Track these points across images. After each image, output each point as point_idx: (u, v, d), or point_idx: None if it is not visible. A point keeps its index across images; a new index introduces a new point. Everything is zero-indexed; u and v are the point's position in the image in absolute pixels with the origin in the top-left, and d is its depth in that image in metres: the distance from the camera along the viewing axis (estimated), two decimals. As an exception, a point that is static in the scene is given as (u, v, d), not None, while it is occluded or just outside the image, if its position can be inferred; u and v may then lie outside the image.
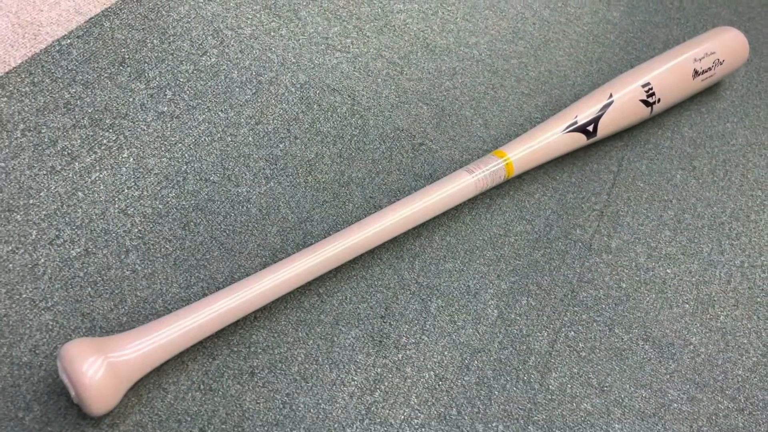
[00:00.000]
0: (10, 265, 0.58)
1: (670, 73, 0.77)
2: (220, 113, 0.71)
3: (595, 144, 0.77)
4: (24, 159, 0.64)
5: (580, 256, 0.68)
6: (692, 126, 0.82)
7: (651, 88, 0.75)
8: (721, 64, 0.81)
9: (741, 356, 0.64)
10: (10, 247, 0.59)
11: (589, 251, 0.69)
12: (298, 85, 0.75)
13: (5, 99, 0.67)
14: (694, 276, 0.69)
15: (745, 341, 0.65)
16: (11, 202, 0.61)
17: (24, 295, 0.57)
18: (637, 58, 0.87)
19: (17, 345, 0.54)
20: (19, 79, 0.68)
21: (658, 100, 0.76)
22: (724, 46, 0.81)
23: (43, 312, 0.56)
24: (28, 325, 0.55)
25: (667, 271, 0.69)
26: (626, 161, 0.77)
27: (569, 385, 0.60)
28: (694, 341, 0.64)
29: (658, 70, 0.77)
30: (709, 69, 0.80)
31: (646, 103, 0.75)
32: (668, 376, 0.62)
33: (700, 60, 0.79)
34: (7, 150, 0.64)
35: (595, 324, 0.64)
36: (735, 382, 0.63)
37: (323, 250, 0.59)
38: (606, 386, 0.61)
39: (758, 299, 0.68)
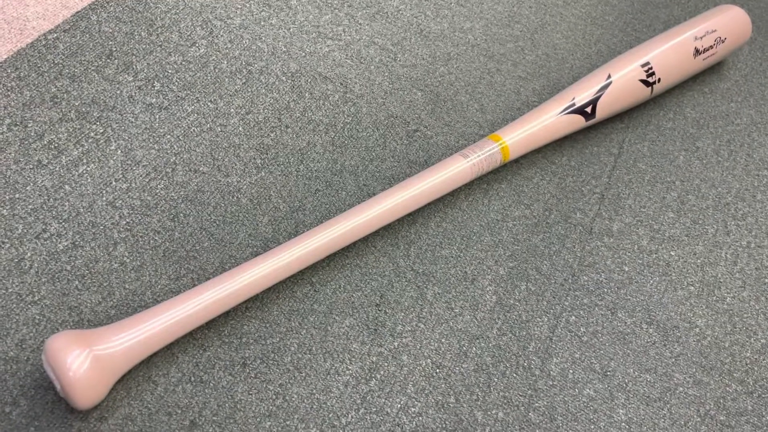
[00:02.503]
0: (-3, 260, 0.57)
1: (670, 52, 0.75)
2: (209, 104, 0.69)
3: (595, 126, 0.75)
4: (10, 153, 0.63)
5: (580, 240, 0.66)
6: (695, 106, 0.80)
7: (651, 68, 0.73)
8: (722, 42, 0.79)
9: (749, 338, 0.62)
10: (-3, 242, 0.58)
11: (590, 235, 0.67)
12: (289, 74, 0.73)
13: (-8, 94, 0.66)
14: (699, 258, 0.67)
15: (753, 323, 0.63)
16: (-2, 196, 0.60)
17: (10, 290, 0.56)
18: (637, 39, 0.85)
19: (3, 340, 0.53)
20: (5, 74, 0.67)
21: (659, 80, 0.74)
22: (725, 24, 0.79)
23: (29, 306, 0.55)
24: (14, 320, 0.54)
25: (671, 253, 0.67)
26: (627, 143, 0.75)
27: (571, 371, 0.58)
28: (700, 324, 0.62)
29: (657, 49, 0.75)
30: (711, 47, 0.78)
31: (646, 83, 0.73)
32: (673, 360, 0.60)
33: (701, 38, 0.77)
34: (-6, 145, 0.63)
35: (597, 308, 0.62)
36: (743, 364, 0.60)
37: (315, 237, 0.58)
38: (609, 371, 0.59)
39: (766, 280, 0.66)
